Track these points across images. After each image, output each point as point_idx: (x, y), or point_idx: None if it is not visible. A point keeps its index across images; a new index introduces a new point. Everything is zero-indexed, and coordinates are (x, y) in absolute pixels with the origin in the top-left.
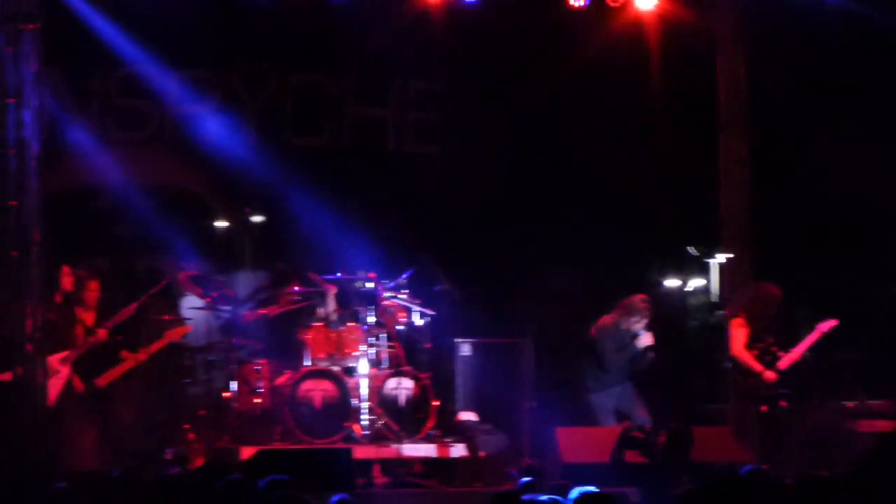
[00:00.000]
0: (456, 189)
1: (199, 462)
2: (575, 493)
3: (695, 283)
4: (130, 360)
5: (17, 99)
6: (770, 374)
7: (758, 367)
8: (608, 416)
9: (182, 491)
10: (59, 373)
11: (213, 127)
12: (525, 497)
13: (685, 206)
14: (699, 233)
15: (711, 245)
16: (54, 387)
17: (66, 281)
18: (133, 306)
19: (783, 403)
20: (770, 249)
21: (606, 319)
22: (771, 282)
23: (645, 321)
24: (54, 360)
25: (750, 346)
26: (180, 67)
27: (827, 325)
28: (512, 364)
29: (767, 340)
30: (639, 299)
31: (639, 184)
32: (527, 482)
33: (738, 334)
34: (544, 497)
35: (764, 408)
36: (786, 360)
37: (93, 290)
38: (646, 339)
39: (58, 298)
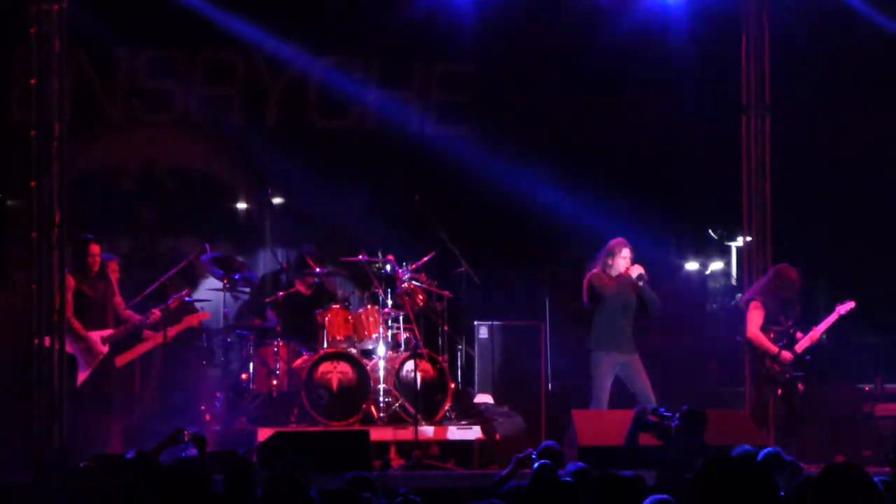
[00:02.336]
0: (479, 171)
1: (217, 444)
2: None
3: (715, 266)
4: (151, 340)
5: (40, 80)
6: (787, 354)
7: (773, 348)
8: (605, 380)
9: (199, 473)
10: (99, 352)
11: (238, 109)
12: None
13: (707, 189)
14: (720, 216)
15: (732, 228)
16: (92, 365)
17: (93, 261)
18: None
19: (801, 387)
20: (791, 233)
21: (592, 270)
22: (790, 264)
23: (629, 255)
24: (95, 337)
25: (767, 328)
26: (205, 49)
27: (845, 308)
28: (530, 346)
29: (786, 323)
30: (615, 243)
31: (661, 166)
32: (543, 464)
33: (755, 316)
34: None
35: (780, 391)
36: (803, 342)
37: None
38: (635, 270)
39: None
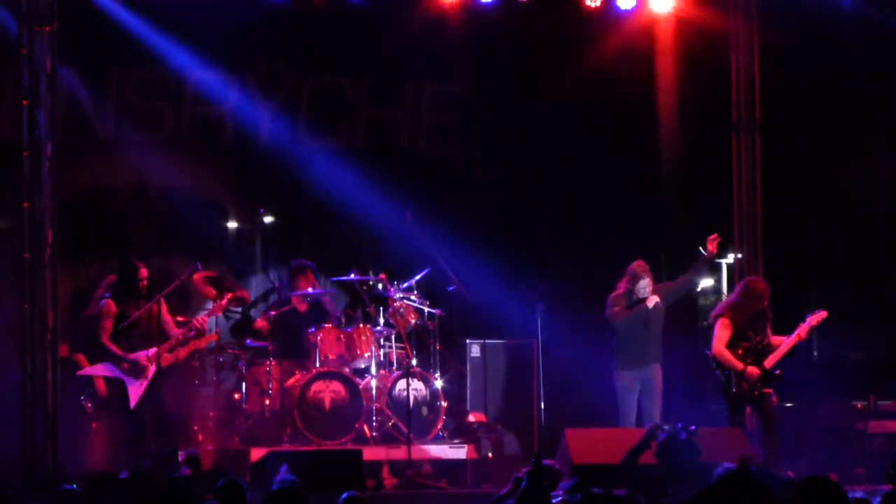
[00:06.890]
0: (469, 189)
1: (209, 464)
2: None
3: (705, 283)
4: (192, 344)
5: (32, 100)
6: (753, 370)
7: (739, 364)
8: (629, 397)
9: (193, 492)
10: (146, 371)
11: (230, 127)
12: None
13: (697, 206)
14: (711, 233)
15: (723, 246)
16: (140, 387)
17: (143, 285)
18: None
19: (774, 400)
20: (781, 250)
21: (617, 291)
22: (758, 277)
23: (650, 282)
24: (140, 356)
25: (737, 344)
26: (197, 67)
27: (817, 318)
28: (522, 365)
29: (755, 339)
30: (638, 265)
31: (651, 183)
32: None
33: (721, 333)
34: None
35: (748, 409)
36: (773, 357)
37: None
38: (652, 300)
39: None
